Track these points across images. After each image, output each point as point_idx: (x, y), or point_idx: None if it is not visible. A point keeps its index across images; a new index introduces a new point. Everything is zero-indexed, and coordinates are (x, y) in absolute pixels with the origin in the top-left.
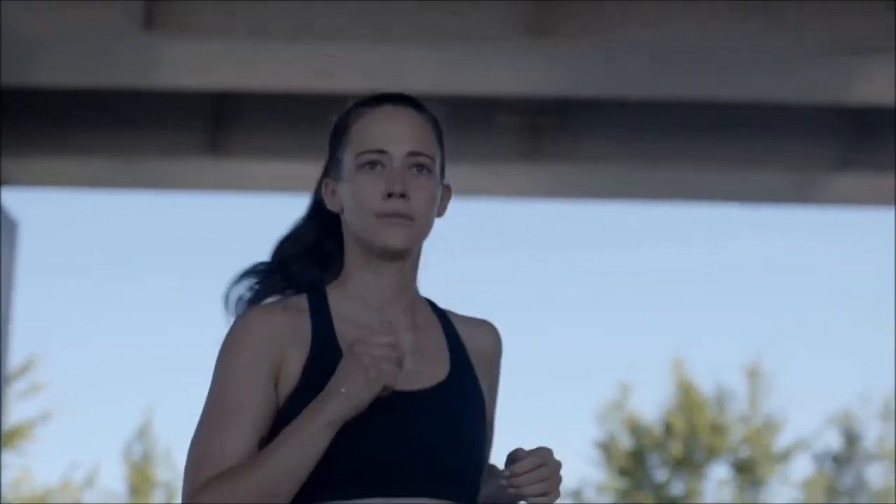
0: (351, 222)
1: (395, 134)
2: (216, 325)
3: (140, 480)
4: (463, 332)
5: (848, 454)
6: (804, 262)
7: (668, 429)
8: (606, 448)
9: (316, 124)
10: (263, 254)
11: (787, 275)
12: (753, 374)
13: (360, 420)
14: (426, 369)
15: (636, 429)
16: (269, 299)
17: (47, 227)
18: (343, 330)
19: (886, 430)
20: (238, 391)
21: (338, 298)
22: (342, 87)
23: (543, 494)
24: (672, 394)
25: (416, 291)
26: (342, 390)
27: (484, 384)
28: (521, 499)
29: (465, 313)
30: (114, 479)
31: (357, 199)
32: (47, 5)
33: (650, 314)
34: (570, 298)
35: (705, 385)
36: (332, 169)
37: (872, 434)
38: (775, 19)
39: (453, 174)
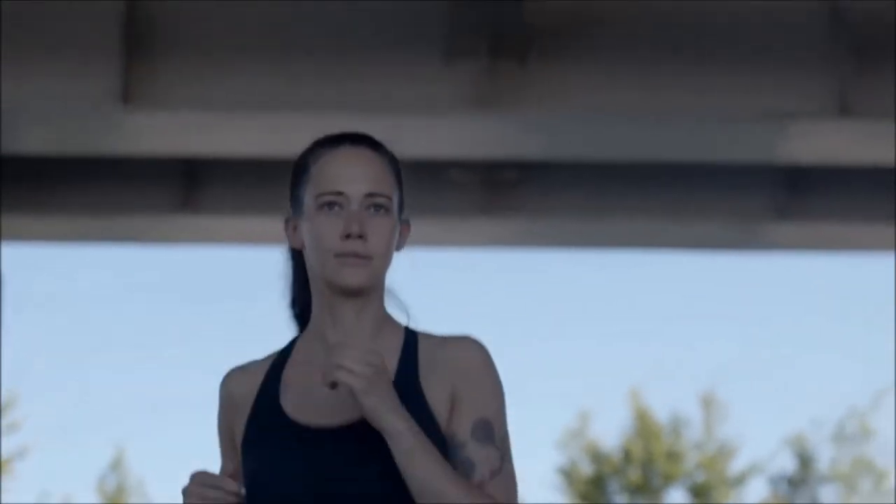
0: (311, 260)
1: (352, 175)
2: (183, 367)
3: None
4: (425, 352)
5: (802, 476)
6: (751, 300)
7: (627, 455)
8: (567, 474)
9: (280, 184)
10: (228, 299)
11: (735, 312)
12: (708, 403)
13: (276, 457)
14: (354, 404)
15: (596, 456)
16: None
17: (31, 278)
18: (290, 376)
19: (839, 453)
20: (221, 455)
21: (303, 341)
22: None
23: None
24: (630, 422)
25: (379, 324)
26: None
27: (440, 397)
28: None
29: (442, 334)
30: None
31: (317, 239)
32: (36, 79)
33: (608, 348)
34: (529, 332)
35: (662, 413)
36: (294, 207)
37: (825, 456)
38: (712, 84)
39: (415, 227)
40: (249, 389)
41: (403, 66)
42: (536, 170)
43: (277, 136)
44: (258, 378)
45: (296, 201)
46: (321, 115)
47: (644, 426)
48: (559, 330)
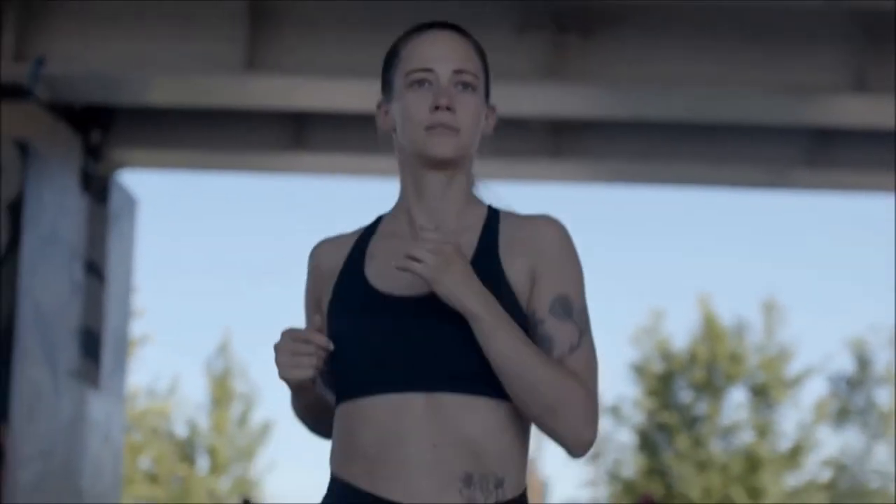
0: (402, 137)
1: (440, 54)
2: (283, 281)
3: (220, 392)
4: (506, 230)
5: (860, 378)
6: (810, 209)
7: (693, 356)
8: (639, 369)
9: (371, 131)
10: (331, 224)
11: (782, 239)
12: (769, 308)
13: (365, 327)
14: None
15: (666, 354)
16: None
17: (167, 201)
18: (375, 249)
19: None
20: (306, 320)
21: (390, 216)
22: None
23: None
24: (698, 325)
25: (465, 200)
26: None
27: (520, 273)
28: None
29: (523, 213)
30: (197, 390)
31: (406, 114)
32: (171, 45)
33: (681, 256)
34: (609, 237)
35: (727, 318)
36: (385, 92)
37: (882, 360)
38: (748, 58)
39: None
40: (336, 259)
41: (482, 38)
42: (597, 126)
43: (373, 97)
44: (345, 249)
45: (387, 86)
46: None
47: (710, 329)
48: (632, 243)
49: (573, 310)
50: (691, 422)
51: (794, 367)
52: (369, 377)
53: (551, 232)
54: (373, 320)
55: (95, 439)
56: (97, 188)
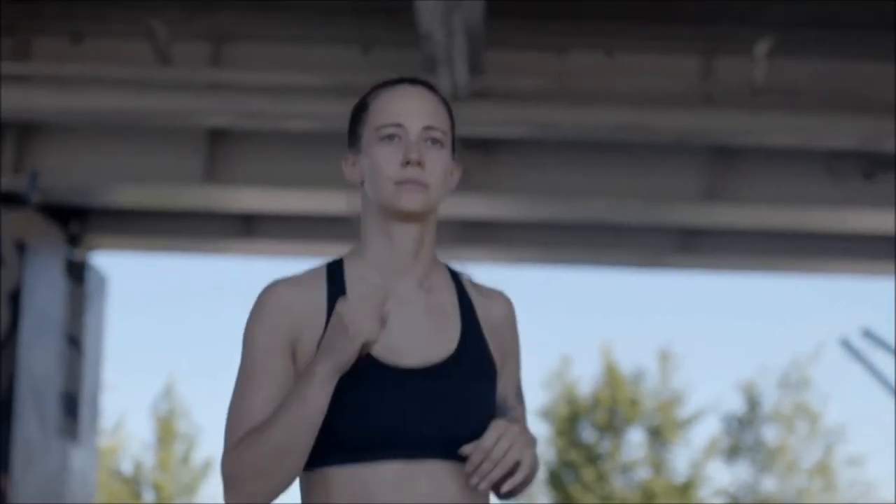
0: (370, 191)
1: (411, 109)
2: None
3: (165, 432)
4: (475, 299)
5: (750, 417)
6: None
7: (597, 400)
8: (549, 412)
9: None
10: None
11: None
12: (664, 357)
13: (379, 390)
14: (440, 336)
15: (572, 398)
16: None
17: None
18: (355, 295)
19: (782, 397)
20: (259, 361)
21: (354, 266)
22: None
23: (511, 474)
24: (600, 372)
25: (433, 258)
26: (329, 348)
27: (496, 351)
28: (494, 487)
29: (479, 282)
30: (141, 429)
31: (376, 169)
32: (141, 161)
33: (586, 311)
34: (524, 304)
35: (626, 365)
36: (352, 144)
37: (770, 400)
38: (618, 172)
39: None
40: (311, 305)
41: None
42: (502, 226)
43: (309, 201)
44: (317, 293)
45: (354, 139)
46: None
47: (611, 376)
48: (543, 305)
49: (522, 391)
50: (595, 459)
51: (686, 410)
52: (380, 444)
53: (512, 315)
54: (377, 388)
55: (75, 485)
56: (76, 272)
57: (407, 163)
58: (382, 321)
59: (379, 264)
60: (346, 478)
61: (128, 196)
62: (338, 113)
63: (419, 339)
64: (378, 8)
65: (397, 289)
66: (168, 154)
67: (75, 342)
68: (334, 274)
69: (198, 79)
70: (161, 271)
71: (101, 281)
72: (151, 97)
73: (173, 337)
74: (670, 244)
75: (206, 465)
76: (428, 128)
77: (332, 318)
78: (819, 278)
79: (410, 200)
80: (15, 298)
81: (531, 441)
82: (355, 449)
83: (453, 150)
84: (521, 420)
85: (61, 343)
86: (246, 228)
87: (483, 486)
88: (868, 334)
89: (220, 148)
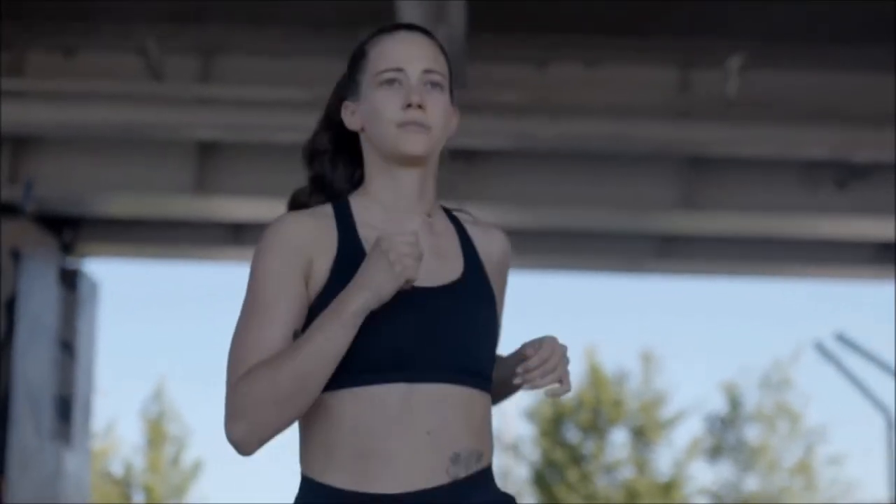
0: (372, 135)
1: (410, 54)
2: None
3: (155, 434)
4: (474, 236)
5: (732, 417)
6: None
7: (581, 401)
8: (534, 413)
9: None
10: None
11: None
12: (647, 359)
13: (385, 313)
14: (443, 268)
15: (555, 400)
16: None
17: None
18: (365, 233)
19: (763, 397)
20: (271, 288)
21: (360, 206)
22: None
23: (559, 383)
24: (584, 374)
25: (434, 198)
26: (369, 282)
27: (494, 286)
28: (537, 389)
29: (476, 218)
30: (131, 432)
31: (378, 113)
32: (133, 172)
33: (571, 314)
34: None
35: (610, 367)
36: (350, 92)
37: (751, 401)
38: (596, 182)
39: None
40: (323, 235)
41: None
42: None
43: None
44: (328, 228)
45: (354, 86)
46: None
47: (595, 377)
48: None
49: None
50: (579, 459)
51: (669, 410)
52: (387, 364)
53: (507, 253)
54: (391, 307)
55: (69, 488)
56: (69, 279)
57: (408, 105)
58: (420, 259)
59: (385, 205)
60: (349, 400)
61: (120, 206)
62: None
63: (427, 270)
64: (365, 21)
65: (405, 227)
66: (159, 165)
67: (68, 347)
68: (342, 212)
69: (188, 93)
70: (151, 277)
71: (94, 287)
72: (143, 111)
73: (163, 341)
74: (649, 250)
75: (196, 467)
76: (428, 71)
77: (373, 254)
78: (794, 282)
79: (413, 142)
80: (10, 305)
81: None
82: (360, 371)
83: (451, 96)
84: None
85: (55, 349)
86: (235, 236)
87: (526, 386)
88: (841, 338)
89: (209, 159)
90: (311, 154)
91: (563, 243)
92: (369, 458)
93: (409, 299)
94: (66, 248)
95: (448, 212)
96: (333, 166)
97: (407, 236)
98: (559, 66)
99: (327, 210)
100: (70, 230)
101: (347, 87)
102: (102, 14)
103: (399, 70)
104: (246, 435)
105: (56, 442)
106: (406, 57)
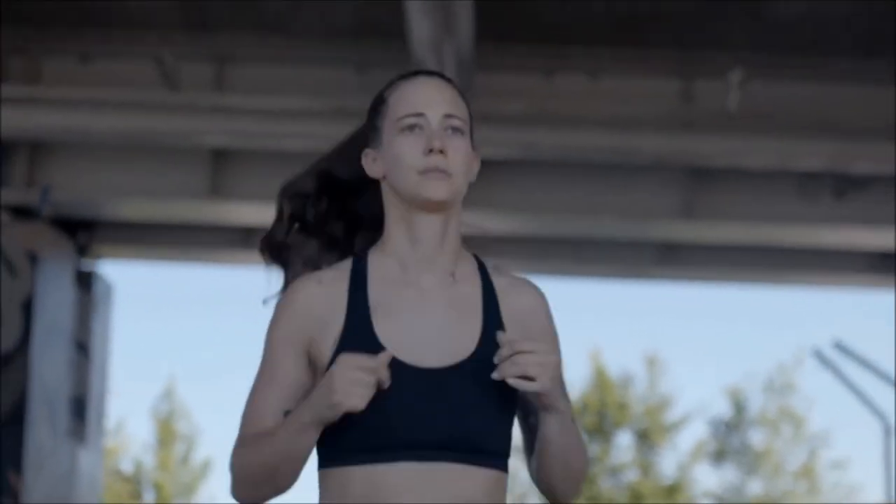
0: (394, 182)
1: (430, 99)
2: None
3: (165, 433)
4: (500, 290)
5: (736, 421)
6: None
7: (586, 404)
8: None
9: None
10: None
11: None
12: (652, 362)
13: (390, 392)
14: (459, 335)
15: None
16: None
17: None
18: (376, 293)
19: (767, 402)
20: (274, 360)
21: (377, 261)
22: None
23: (529, 379)
24: (589, 377)
25: (458, 248)
26: (316, 402)
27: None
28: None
29: (507, 272)
30: (142, 430)
31: (399, 159)
32: (148, 177)
33: (575, 316)
34: None
35: (615, 370)
36: (372, 140)
37: (756, 404)
38: (599, 191)
39: None
40: (330, 305)
41: None
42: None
43: None
44: (338, 294)
45: (374, 134)
46: None
47: (600, 381)
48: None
49: (564, 384)
50: None
51: (673, 414)
52: (384, 443)
53: (542, 305)
54: (392, 387)
55: (83, 486)
56: (84, 280)
57: (430, 151)
58: (379, 384)
59: (402, 257)
60: (360, 478)
61: (134, 209)
62: (333, 133)
63: (439, 337)
64: (373, 31)
65: (421, 281)
66: (173, 171)
67: (83, 348)
68: (357, 270)
69: (202, 102)
70: (162, 278)
71: (108, 289)
72: (157, 119)
73: (174, 341)
74: (650, 257)
75: (206, 466)
76: (448, 116)
77: (327, 375)
78: (794, 290)
79: (435, 189)
80: (27, 307)
81: (560, 379)
82: (370, 449)
83: (472, 140)
84: (568, 408)
85: (70, 349)
86: (245, 240)
87: (495, 375)
88: (839, 345)
89: (221, 165)
90: (292, 197)
91: (567, 250)
92: None
93: (421, 377)
94: (82, 251)
95: (478, 261)
96: (315, 206)
97: (366, 362)
98: (564, 77)
99: (345, 269)
100: (85, 233)
101: (368, 134)
102: (117, 21)
103: (419, 115)
104: (239, 498)
105: (71, 441)
106: (426, 102)
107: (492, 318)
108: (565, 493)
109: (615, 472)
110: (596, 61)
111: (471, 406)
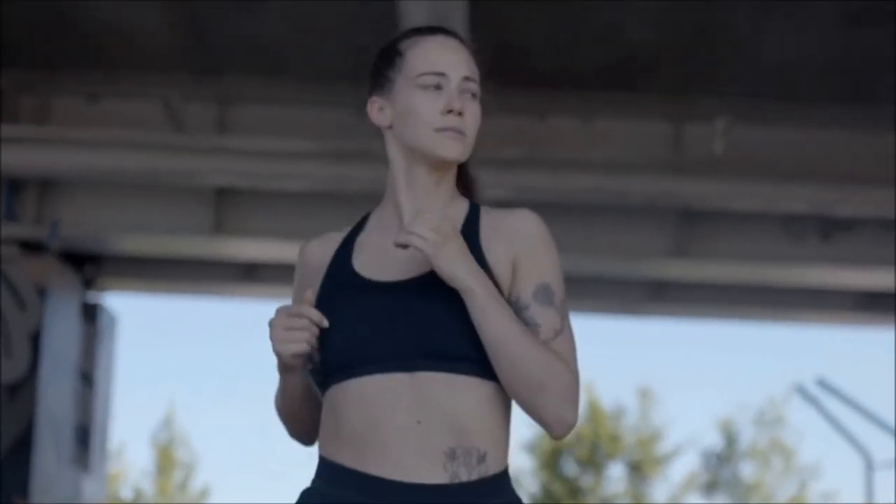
0: (404, 134)
1: (452, 59)
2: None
3: (164, 460)
4: (486, 221)
5: (728, 453)
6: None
7: (579, 435)
8: (534, 446)
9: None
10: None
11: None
12: (644, 395)
13: (353, 308)
14: (421, 262)
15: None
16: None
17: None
18: (364, 237)
19: (758, 434)
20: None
21: (376, 212)
22: None
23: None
24: (582, 408)
25: (451, 195)
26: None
27: (501, 258)
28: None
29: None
30: (140, 457)
31: (416, 114)
32: (153, 214)
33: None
34: None
35: (608, 402)
36: (379, 88)
37: (747, 437)
38: (593, 232)
39: None
40: (325, 255)
41: None
42: None
43: None
44: (334, 245)
45: (385, 82)
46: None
47: (593, 412)
48: None
49: (555, 297)
50: (577, 492)
51: (665, 446)
52: (354, 359)
53: (531, 223)
54: (357, 305)
55: None
56: (90, 313)
57: (449, 111)
58: (308, 339)
59: (398, 203)
60: (340, 395)
61: (139, 244)
62: (332, 174)
63: (408, 260)
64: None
65: (400, 224)
66: (177, 208)
67: (87, 378)
68: (357, 225)
69: (205, 142)
70: (163, 308)
71: (112, 320)
72: (162, 158)
73: (174, 370)
74: (642, 295)
75: (204, 493)
76: (467, 79)
77: None
78: (781, 327)
79: (451, 148)
80: (35, 339)
81: (457, 255)
82: (346, 366)
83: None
84: (544, 322)
85: (76, 379)
86: (248, 275)
87: (397, 239)
88: (821, 382)
89: (225, 204)
90: None
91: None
92: (366, 444)
93: (380, 291)
94: (88, 284)
95: (474, 205)
96: None
97: (291, 309)
98: (557, 120)
99: (348, 227)
100: (92, 266)
101: (376, 82)
102: (125, 63)
103: (441, 75)
104: (291, 434)
105: (75, 468)
106: (448, 62)
107: (468, 240)
108: (534, 405)
109: (607, 502)
110: (589, 105)
111: (435, 314)
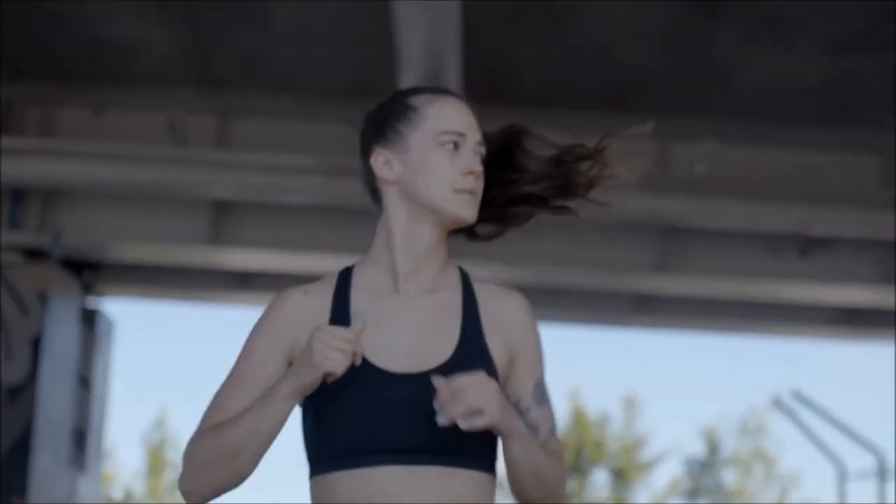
0: (415, 191)
1: (469, 123)
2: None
3: (156, 461)
4: (482, 298)
5: (710, 461)
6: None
7: (564, 442)
8: None
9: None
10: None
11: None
12: (628, 403)
13: (367, 398)
14: (437, 342)
15: None
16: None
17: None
18: (358, 301)
19: (740, 443)
20: (250, 362)
21: (363, 271)
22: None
23: (465, 417)
24: (567, 416)
25: (445, 258)
26: (297, 369)
27: (502, 351)
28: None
29: (490, 283)
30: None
31: (436, 171)
32: (152, 224)
33: (557, 364)
34: None
35: (592, 410)
36: (385, 140)
37: (730, 445)
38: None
39: None
40: (314, 312)
41: None
42: None
43: (299, 263)
44: (322, 302)
45: (393, 135)
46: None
47: (578, 420)
48: None
49: (546, 392)
50: None
51: (649, 453)
52: (364, 448)
53: (524, 312)
54: (367, 392)
55: None
56: (88, 318)
57: (470, 173)
58: (356, 355)
59: (390, 265)
60: (344, 484)
61: (138, 252)
62: (329, 188)
63: (417, 343)
64: (368, 92)
65: (404, 289)
66: (176, 218)
67: (85, 381)
68: (343, 281)
69: (206, 155)
70: (157, 312)
71: (110, 325)
72: (164, 171)
73: (167, 373)
74: (626, 307)
75: None
76: (479, 142)
77: (304, 347)
78: (759, 340)
79: (467, 209)
80: (36, 343)
81: (502, 404)
82: (350, 455)
83: None
84: (543, 423)
85: (74, 383)
86: (242, 284)
87: (442, 420)
88: (797, 394)
89: (222, 215)
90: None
91: (548, 299)
92: None
93: (398, 383)
94: (87, 290)
95: (462, 272)
96: None
97: (342, 331)
98: None
99: (331, 281)
100: (91, 273)
101: (381, 134)
102: (129, 77)
103: (461, 135)
104: (189, 488)
105: (71, 469)
106: (466, 124)
107: (471, 325)
108: (537, 499)
109: None
110: (578, 124)
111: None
